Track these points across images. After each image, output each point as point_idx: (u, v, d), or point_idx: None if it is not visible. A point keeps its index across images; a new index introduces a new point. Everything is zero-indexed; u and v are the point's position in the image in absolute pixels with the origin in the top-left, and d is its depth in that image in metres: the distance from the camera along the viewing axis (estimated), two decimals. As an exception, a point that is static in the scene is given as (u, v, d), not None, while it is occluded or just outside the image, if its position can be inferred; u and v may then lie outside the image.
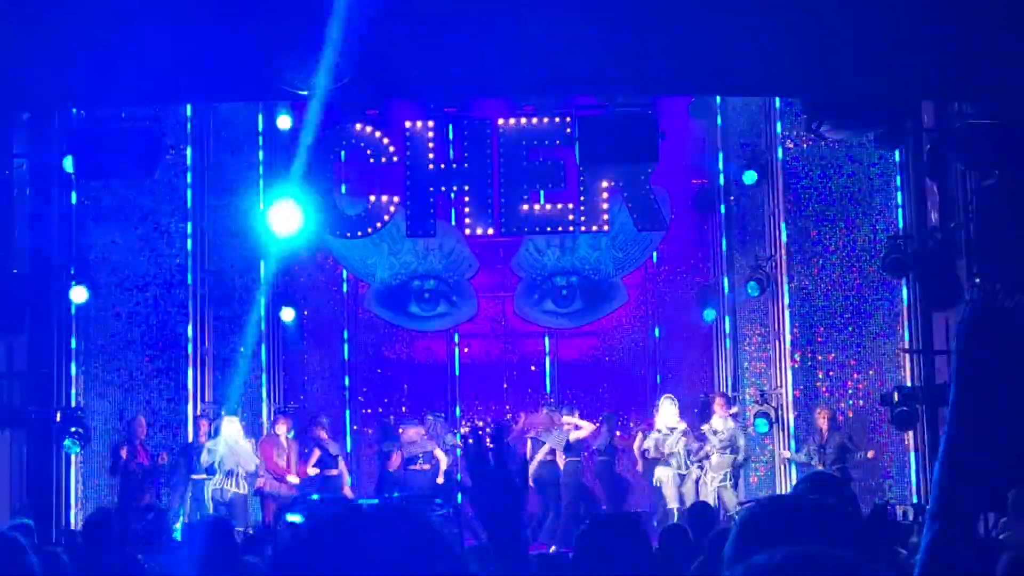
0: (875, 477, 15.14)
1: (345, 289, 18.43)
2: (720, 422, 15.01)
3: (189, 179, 15.92)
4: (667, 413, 15.25)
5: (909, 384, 14.55)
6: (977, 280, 11.92)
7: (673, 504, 14.77)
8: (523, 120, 16.50)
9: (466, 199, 16.61)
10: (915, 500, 14.26)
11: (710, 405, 15.51)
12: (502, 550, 2.85)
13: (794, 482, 14.91)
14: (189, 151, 15.91)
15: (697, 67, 10.22)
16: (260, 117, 16.85)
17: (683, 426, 15.24)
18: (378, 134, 16.64)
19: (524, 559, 2.95)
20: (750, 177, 16.30)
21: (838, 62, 9.57)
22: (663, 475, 15.01)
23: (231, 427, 14.81)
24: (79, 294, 14.74)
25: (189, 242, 15.84)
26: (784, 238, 15.69)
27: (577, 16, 10.24)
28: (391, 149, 16.57)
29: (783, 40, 9.65)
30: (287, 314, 17.25)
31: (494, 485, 2.87)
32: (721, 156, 17.15)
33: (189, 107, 15.61)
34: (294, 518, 12.75)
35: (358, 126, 16.65)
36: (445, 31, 10.28)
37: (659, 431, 15.17)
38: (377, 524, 1.82)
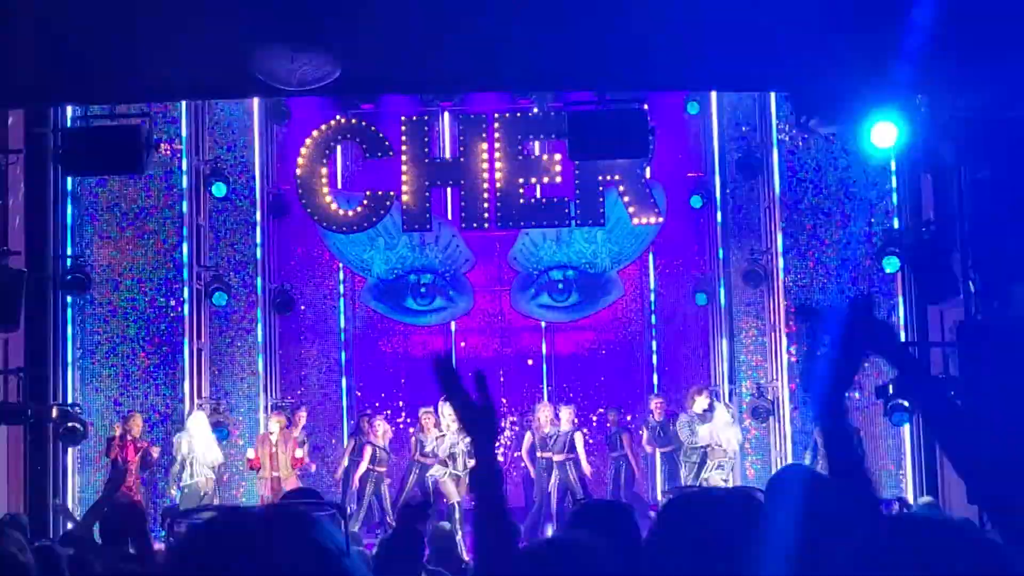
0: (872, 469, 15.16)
1: (342, 284, 18.44)
2: (684, 416, 15.12)
3: (184, 174, 15.94)
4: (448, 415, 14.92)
5: (904, 377, 14.50)
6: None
7: (456, 499, 14.69)
8: (519, 114, 16.49)
9: (462, 193, 16.58)
10: (911, 492, 14.28)
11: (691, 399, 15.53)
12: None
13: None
14: (184, 146, 15.94)
15: (689, 63, 10.23)
16: (256, 112, 16.85)
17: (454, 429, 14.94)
18: (374, 128, 16.62)
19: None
20: (745, 170, 16.30)
21: (826, 56, 9.58)
22: (438, 474, 14.92)
23: (197, 419, 14.80)
24: (78, 284, 14.76)
25: (185, 238, 15.86)
26: (779, 231, 15.68)
27: (571, 12, 10.25)
28: (387, 144, 16.55)
29: (773, 34, 9.66)
30: (284, 309, 17.29)
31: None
32: (716, 149, 17.14)
33: (183, 103, 15.62)
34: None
35: (354, 120, 16.65)
36: (441, 25, 10.28)
37: (443, 434, 15.02)
38: (259, 529, 1.81)
